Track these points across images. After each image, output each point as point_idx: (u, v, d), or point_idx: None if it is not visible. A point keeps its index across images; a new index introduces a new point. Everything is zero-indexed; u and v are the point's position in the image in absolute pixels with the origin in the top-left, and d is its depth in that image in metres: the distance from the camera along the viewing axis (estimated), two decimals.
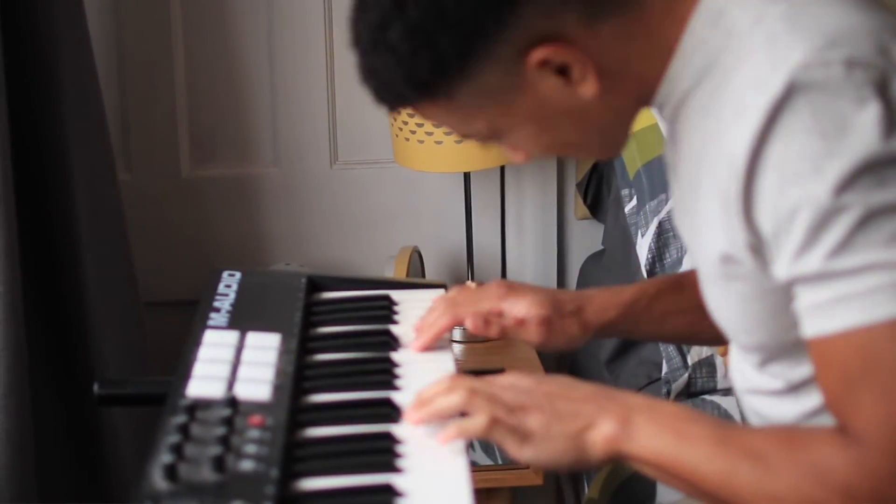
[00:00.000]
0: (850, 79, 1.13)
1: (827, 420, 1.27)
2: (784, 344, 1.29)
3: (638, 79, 1.29)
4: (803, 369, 1.29)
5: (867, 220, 1.12)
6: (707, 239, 1.27)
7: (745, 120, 1.16)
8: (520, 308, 1.53)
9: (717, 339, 1.52)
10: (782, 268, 1.17)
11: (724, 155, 1.19)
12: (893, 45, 1.16)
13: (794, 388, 1.32)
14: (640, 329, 1.61)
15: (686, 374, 2.27)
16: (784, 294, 1.21)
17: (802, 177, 1.13)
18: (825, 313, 1.15)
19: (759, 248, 1.20)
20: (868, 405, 1.14)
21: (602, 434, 1.25)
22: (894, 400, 1.12)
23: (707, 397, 2.26)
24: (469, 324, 1.52)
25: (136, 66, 2.75)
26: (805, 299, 1.17)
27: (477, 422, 1.27)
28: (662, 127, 1.40)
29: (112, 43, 2.73)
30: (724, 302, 1.32)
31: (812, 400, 1.30)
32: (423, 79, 1.25)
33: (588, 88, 1.26)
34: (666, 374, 2.30)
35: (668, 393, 2.29)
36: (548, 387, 1.30)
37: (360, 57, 1.28)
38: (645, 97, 1.32)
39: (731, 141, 1.17)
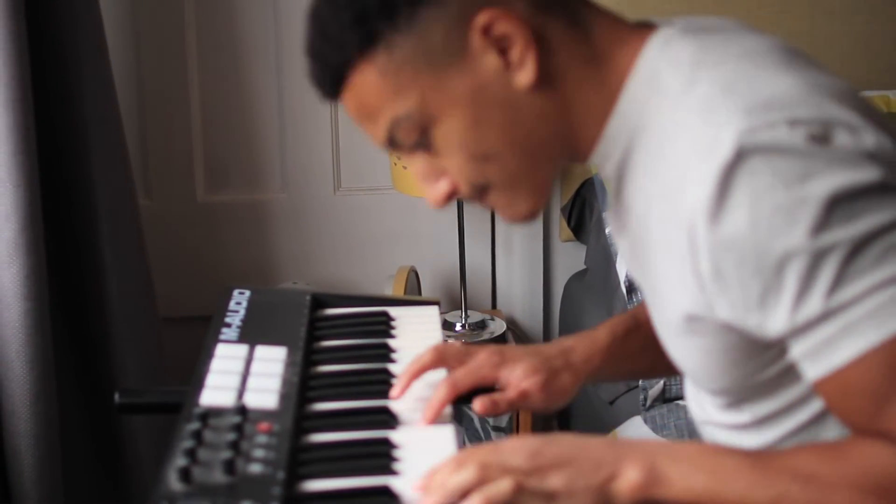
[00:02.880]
0: (795, 135, 1.09)
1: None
2: (747, 388, 1.23)
3: (572, 110, 1.21)
4: (771, 404, 1.24)
5: (854, 251, 1.08)
6: (668, 297, 1.21)
7: (696, 187, 1.10)
8: (516, 376, 1.42)
9: (675, 371, 1.49)
10: (779, 322, 1.11)
11: (681, 222, 1.13)
12: (825, 100, 1.13)
13: (760, 422, 1.26)
14: (620, 369, 1.50)
15: (661, 382, 2.28)
16: (749, 344, 1.17)
17: (780, 231, 1.08)
18: (834, 347, 1.09)
19: (726, 311, 1.14)
20: None
21: (628, 483, 1.15)
22: None
23: (680, 402, 2.26)
24: (477, 407, 1.38)
25: (154, 100, 2.76)
26: (806, 343, 1.11)
27: (502, 486, 1.14)
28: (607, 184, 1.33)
29: (133, 80, 2.73)
30: (687, 353, 1.26)
31: (773, 432, 1.25)
32: (369, 15, 1.16)
33: (525, 75, 1.17)
34: (642, 381, 2.30)
35: (645, 399, 2.29)
36: (558, 446, 1.17)
37: (310, 2, 1.21)
38: (569, 145, 1.24)
39: (687, 209, 1.11)
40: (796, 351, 1.12)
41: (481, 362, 1.43)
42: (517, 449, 1.17)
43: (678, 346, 1.26)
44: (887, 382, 1.09)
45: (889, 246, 1.08)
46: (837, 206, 1.08)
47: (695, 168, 1.10)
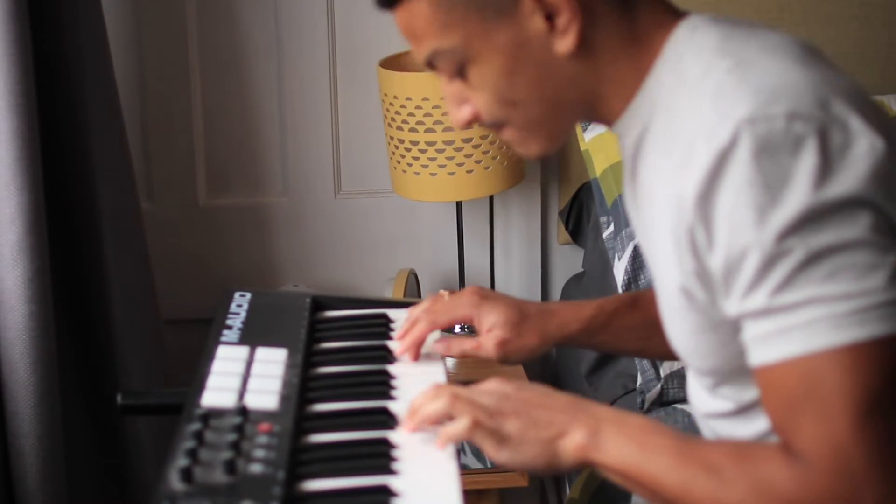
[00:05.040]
0: (790, 131, 1.13)
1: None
2: (734, 368, 1.28)
3: (603, 81, 1.28)
4: (752, 392, 1.28)
5: (808, 261, 1.12)
6: (666, 270, 1.26)
7: (694, 166, 1.16)
8: (487, 322, 1.52)
9: (665, 355, 1.52)
10: (733, 304, 1.18)
11: (675, 196, 1.19)
12: (832, 98, 1.16)
13: (745, 410, 1.31)
14: (596, 341, 1.58)
15: (659, 385, 2.27)
16: (733, 326, 1.21)
17: (750, 224, 1.13)
18: (769, 344, 1.15)
19: (706, 279, 1.20)
20: (809, 427, 1.13)
21: (573, 442, 1.24)
22: (832, 423, 1.12)
23: (678, 406, 2.26)
24: (439, 348, 1.53)
25: (157, 105, 2.76)
26: (751, 331, 1.17)
27: (459, 425, 1.26)
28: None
29: (136, 84, 2.74)
30: (680, 330, 1.31)
31: (764, 421, 1.28)
32: None
33: (565, 43, 1.23)
34: (640, 385, 2.30)
35: (643, 402, 2.29)
36: (526, 394, 1.28)
37: None
38: (593, 109, 1.30)
39: (682, 184, 1.17)
40: (744, 334, 1.18)
41: (461, 301, 1.54)
42: (489, 390, 1.29)
43: (675, 321, 1.32)
44: (800, 395, 1.14)
45: (842, 266, 1.12)
46: (809, 218, 1.12)
47: (698, 150, 1.16)
